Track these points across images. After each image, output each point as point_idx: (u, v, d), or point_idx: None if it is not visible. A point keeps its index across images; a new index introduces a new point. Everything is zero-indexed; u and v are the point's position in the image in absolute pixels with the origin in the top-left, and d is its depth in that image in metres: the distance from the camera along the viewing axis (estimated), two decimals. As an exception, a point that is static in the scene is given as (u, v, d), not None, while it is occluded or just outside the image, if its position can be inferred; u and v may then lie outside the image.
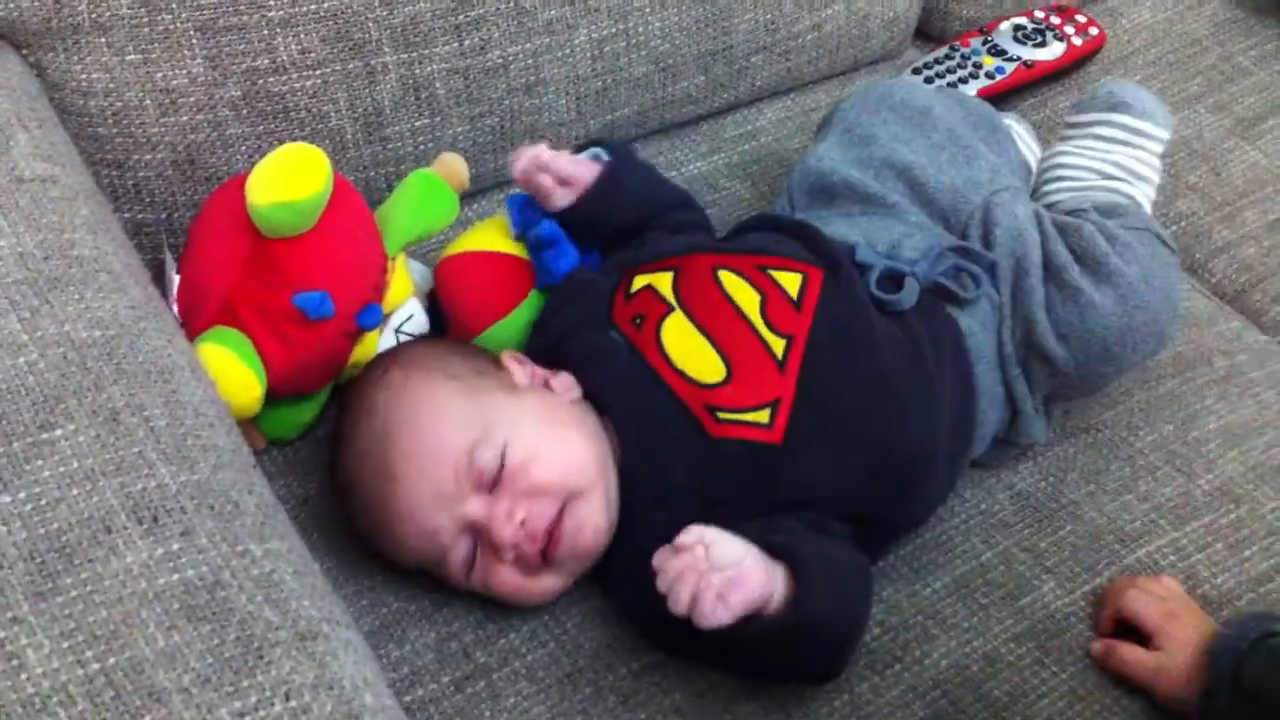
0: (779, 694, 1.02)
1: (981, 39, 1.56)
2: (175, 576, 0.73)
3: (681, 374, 1.06)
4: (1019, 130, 1.37)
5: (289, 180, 1.06)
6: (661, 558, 0.94)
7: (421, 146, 1.30)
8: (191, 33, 1.16)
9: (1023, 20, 1.58)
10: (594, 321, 1.12)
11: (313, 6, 1.20)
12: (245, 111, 1.21)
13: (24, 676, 0.68)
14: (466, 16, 1.27)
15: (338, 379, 1.15)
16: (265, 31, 1.19)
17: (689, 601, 0.91)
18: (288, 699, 0.69)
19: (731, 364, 1.06)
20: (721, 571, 0.92)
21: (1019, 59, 1.54)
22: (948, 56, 1.55)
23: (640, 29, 1.37)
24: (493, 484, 1.01)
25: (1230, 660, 0.97)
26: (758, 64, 1.47)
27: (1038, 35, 1.57)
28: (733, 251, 1.15)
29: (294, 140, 1.15)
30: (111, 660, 0.69)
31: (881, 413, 1.06)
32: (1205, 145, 1.51)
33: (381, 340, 1.15)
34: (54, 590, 0.71)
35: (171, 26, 1.15)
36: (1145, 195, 1.27)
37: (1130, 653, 1.04)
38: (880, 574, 1.09)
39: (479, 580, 1.03)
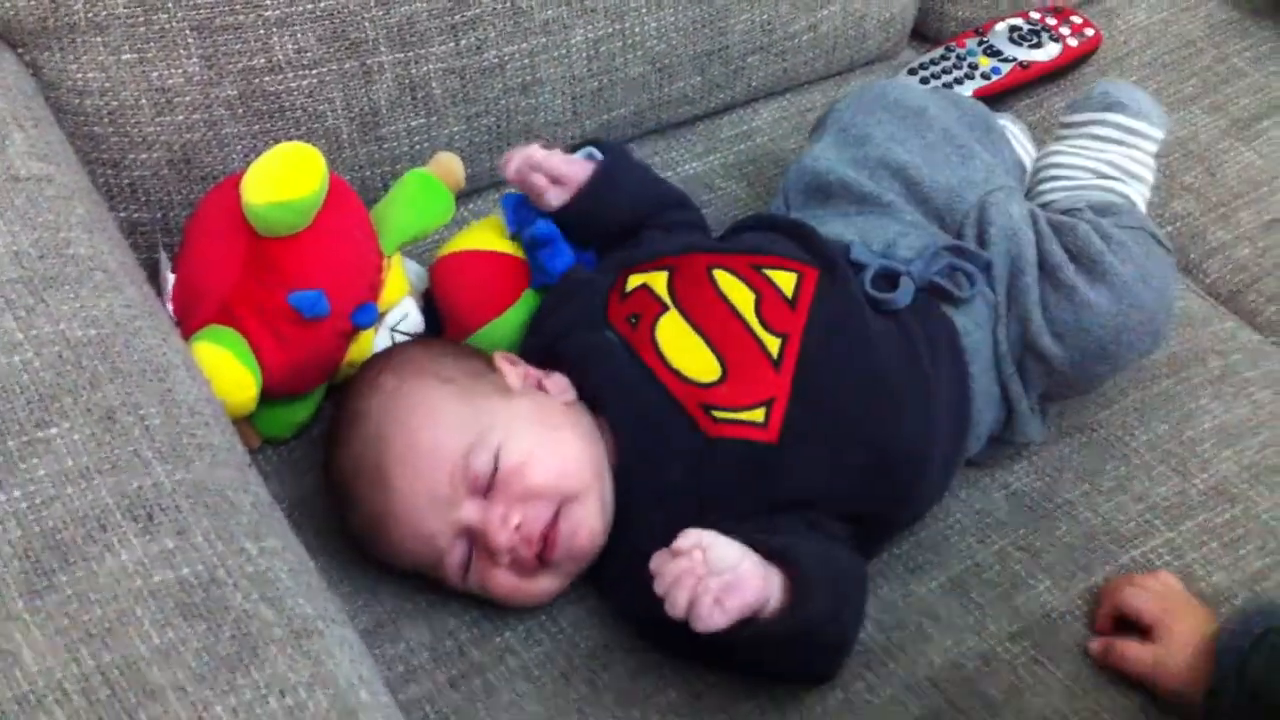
0: (775, 692, 1.02)
1: (977, 40, 1.56)
2: (170, 574, 0.73)
3: (677, 373, 1.06)
4: (1014, 130, 1.37)
5: (285, 180, 1.06)
6: (659, 561, 0.94)
7: (417, 146, 1.30)
8: (187, 32, 1.16)
9: (1018, 21, 1.58)
10: (589, 321, 1.12)
11: (309, 6, 1.20)
12: (241, 111, 1.21)
13: (19, 674, 0.68)
14: (463, 16, 1.27)
15: (333, 378, 1.15)
16: (261, 31, 1.19)
17: (686, 605, 0.91)
18: (283, 696, 0.69)
19: (727, 363, 1.06)
20: (719, 575, 0.92)
21: (1014, 60, 1.54)
22: (943, 57, 1.55)
23: (636, 29, 1.37)
24: (487, 488, 1.01)
25: (1233, 660, 0.97)
26: (754, 64, 1.47)
27: (1033, 36, 1.57)
28: (728, 251, 1.16)
29: (290, 139, 1.15)
30: (107, 657, 0.69)
31: (877, 412, 1.06)
32: (1200, 146, 1.51)
33: (377, 339, 1.15)
34: (49, 587, 0.71)
35: (167, 26, 1.15)
36: (1140, 195, 1.27)
37: (1129, 648, 1.04)
38: (876, 572, 1.09)
39: (476, 582, 1.03)
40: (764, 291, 1.09)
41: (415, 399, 1.04)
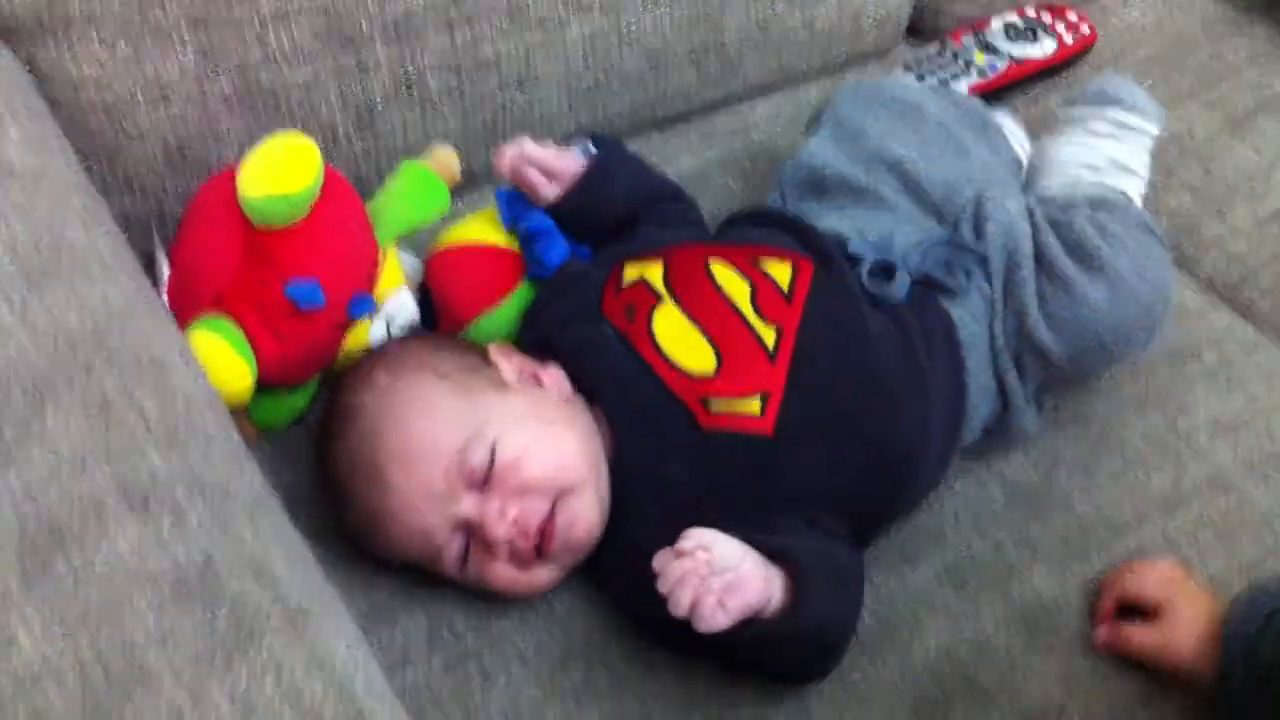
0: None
1: (973, 36, 1.56)
2: (166, 559, 0.73)
3: (673, 366, 1.06)
4: (1010, 126, 1.37)
5: (281, 173, 1.06)
6: (662, 561, 0.93)
7: (413, 141, 1.30)
8: (183, 26, 1.16)
9: (1014, 18, 1.58)
10: (585, 314, 1.12)
11: (305, 1, 1.20)
12: (236, 105, 1.21)
13: (16, 657, 0.67)
14: (459, 12, 1.27)
15: (329, 369, 1.15)
16: (257, 25, 1.19)
17: (689, 605, 0.91)
18: (279, 679, 0.69)
19: (722, 354, 1.06)
20: (721, 575, 0.92)
21: (1010, 56, 1.55)
22: (939, 54, 1.55)
23: (632, 25, 1.37)
24: (484, 482, 1.01)
25: (1241, 643, 0.97)
26: (750, 60, 1.47)
27: (1029, 33, 1.57)
28: (724, 243, 1.16)
29: (285, 133, 1.15)
30: (103, 641, 0.69)
31: (872, 404, 1.07)
32: (1196, 142, 1.51)
33: (373, 330, 1.15)
34: (45, 572, 0.71)
35: (162, 20, 1.15)
36: (1136, 189, 1.27)
37: (1135, 632, 1.04)
38: (871, 561, 1.09)
39: (474, 574, 1.03)
40: (759, 283, 1.10)
41: (410, 394, 1.04)
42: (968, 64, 1.53)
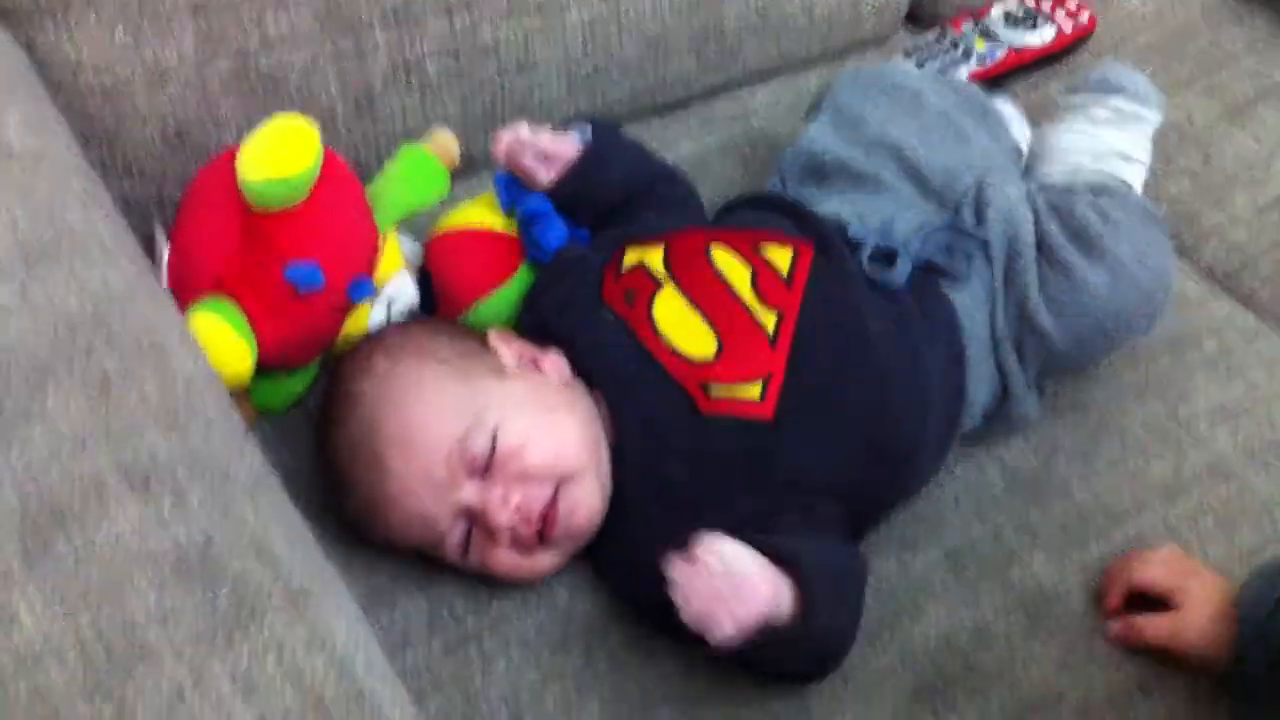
0: (769, 664, 1.02)
1: (972, 23, 1.56)
2: (167, 538, 0.73)
3: (674, 350, 1.06)
4: (1010, 113, 1.37)
5: (280, 156, 1.06)
6: (677, 570, 0.92)
7: (412, 125, 1.30)
8: (182, 9, 1.16)
9: (1014, 5, 1.58)
10: (585, 298, 1.12)
11: (304, -15, 1.20)
12: (235, 88, 1.21)
13: (18, 635, 0.67)
14: (458, -4, 1.27)
15: (329, 352, 1.15)
16: (256, 8, 1.19)
17: (700, 615, 0.91)
18: (280, 658, 0.69)
19: (722, 339, 1.06)
20: (732, 585, 0.91)
21: (1010, 44, 1.54)
22: (939, 41, 1.55)
23: (631, 10, 1.37)
24: (485, 469, 1.01)
25: (1255, 626, 0.97)
26: (749, 46, 1.47)
27: (1029, 20, 1.57)
28: (724, 227, 1.16)
29: (284, 117, 1.15)
30: (104, 620, 0.69)
31: (871, 389, 1.07)
32: (1196, 130, 1.51)
33: (373, 314, 1.14)
34: (47, 551, 0.71)
35: (162, 3, 1.15)
36: (1137, 177, 1.27)
37: (1148, 623, 1.04)
38: (871, 546, 1.09)
39: (475, 561, 1.03)
40: (760, 268, 1.09)
41: (409, 381, 1.04)
42: (967, 51, 1.53)
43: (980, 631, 1.06)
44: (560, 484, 1.02)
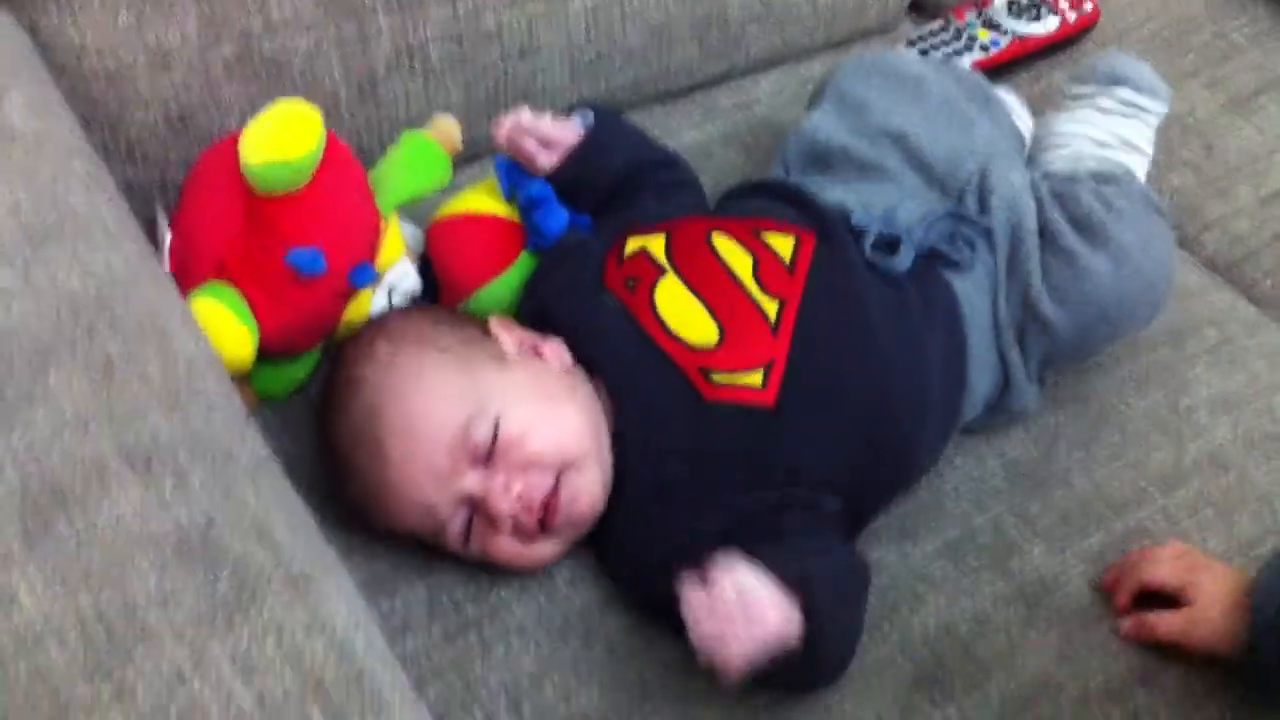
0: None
1: (976, 12, 1.56)
2: (168, 520, 0.73)
3: (675, 337, 1.06)
4: (1012, 103, 1.37)
5: (282, 139, 1.06)
6: (692, 597, 0.91)
7: (415, 111, 1.30)
8: (185, -8, 1.16)
9: (1018, -6, 1.58)
10: (586, 285, 1.12)
11: (307, -31, 1.20)
12: (238, 72, 1.20)
13: (18, 615, 0.68)
14: (461, -18, 1.27)
15: (330, 338, 1.15)
16: (259, -7, 1.19)
17: (714, 647, 0.89)
18: (280, 640, 0.69)
19: (724, 326, 1.06)
20: (745, 612, 0.89)
21: (1013, 33, 1.54)
22: (942, 30, 1.55)
23: (635, -2, 1.37)
24: (487, 457, 1.01)
25: (1268, 615, 0.96)
26: (752, 34, 1.47)
27: (1032, 10, 1.57)
28: (726, 215, 1.16)
29: (287, 101, 1.15)
30: (105, 601, 0.69)
31: (872, 377, 1.07)
32: (1199, 121, 1.51)
33: (374, 300, 1.14)
34: (48, 532, 0.71)
35: (164, -13, 1.15)
36: (1141, 167, 1.27)
37: (1160, 620, 1.03)
38: (870, 536, 1.09)
39: (477, 549, 1.03)
40: (762, 255, 1.09)
41: (410, 368, 1.04)
42: (971, 40, 1.53)
43: (980, 621, 1.06)
44: (562, 472, 1.02)
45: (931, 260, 1.13)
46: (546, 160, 1.17)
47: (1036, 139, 1.30)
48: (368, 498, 1.03)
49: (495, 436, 1.01)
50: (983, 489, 1.15)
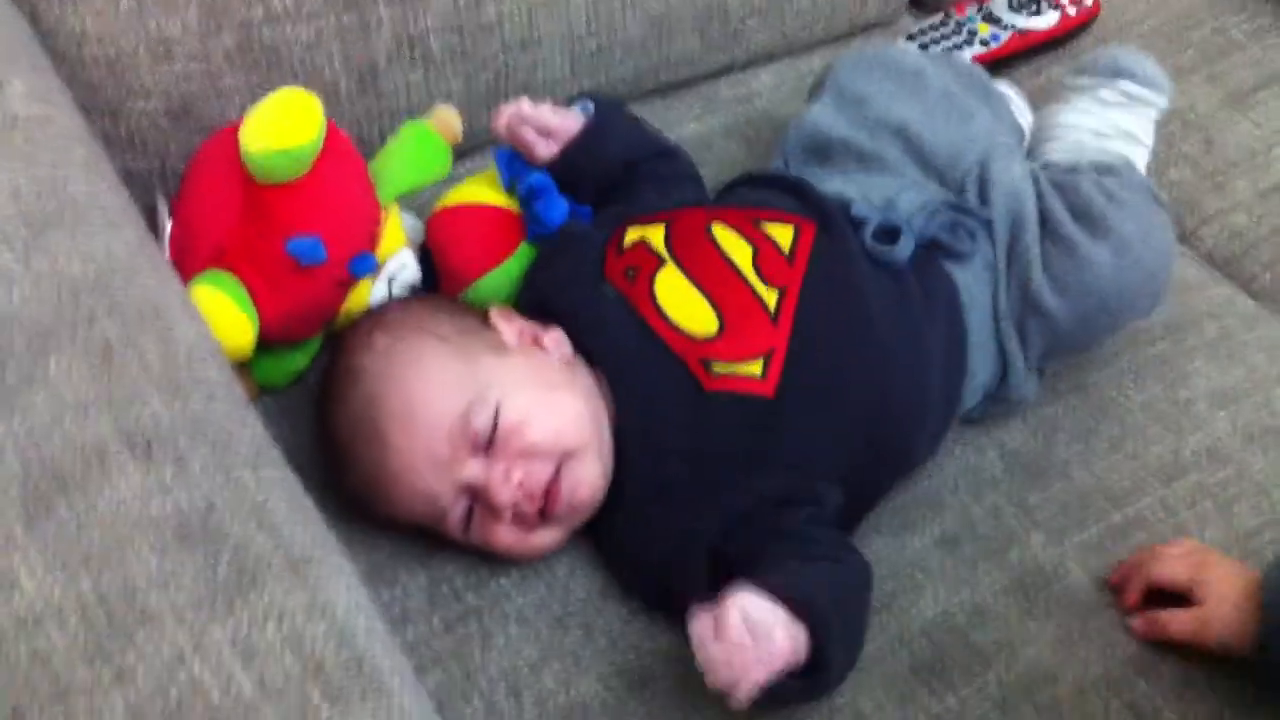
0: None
1: (976, 6, 1.56)
2: (169, 504, 0.73)
3: (675, 327, 1.06)
4: (1011, 95, 1.37)
5: (283, 127, 1.06)
6: (701, 627, 0.89)
7: (415, 101, 1.30)
8: (186, -19, 1.16)
9: (1018, -12, 1.58)
10: (586, 275, 1.12)
11: (308, -42, 1.20)
12: (239, 62, 1.20)
13: (18, 597, 0.67)
14: (462, -28, 1.27)
15: (330, 327, 1.15)
16: (261, -18, 1.19)
17: (719, 665, 0.89)
18: (280, 622, 0.69)
19: (724, 316, 1.06)
20: (755, 642, 0.89)
21: (1013, 27, 1.55)
22: (942, 24, 1.55)
23: (636, -11, 1.37)
24: (488, 446, 1.01)
25: (1276, 616, 0.96)
26: (753, 27, 1.47)
27: (1033, 4, 1.57)
28: (726, 205, 1.16)
29: (288, 91, 1.15)
30: (105, 583, 0.68)
31: (871, 367, 1.07)
32: (1198, 116, 1.51)
33: (374, 289, 1.14)
34: (48, 516, 0.71)
35: (166, -25, 1.15)
36: (1141, 159, 1.27)
37: (1172, 619, 1.03)
38: (869, 526, 1.09)
39: (477, 537, 1.03)
40: (761, 245, 1.09)
41: (410, 357, 1.04)
42: (971, 34, 1.53)
43: (978, 612, 1.06)
44: (562, 461, 1.02)
45: (932, 250, 1.13)
46: (546, 150, 1.17)
47: (1037, 130, 1.30)
48: (368, 486, 1.03)
49: (495, 424, 1.01)
50: (981, 480, 1.15)
